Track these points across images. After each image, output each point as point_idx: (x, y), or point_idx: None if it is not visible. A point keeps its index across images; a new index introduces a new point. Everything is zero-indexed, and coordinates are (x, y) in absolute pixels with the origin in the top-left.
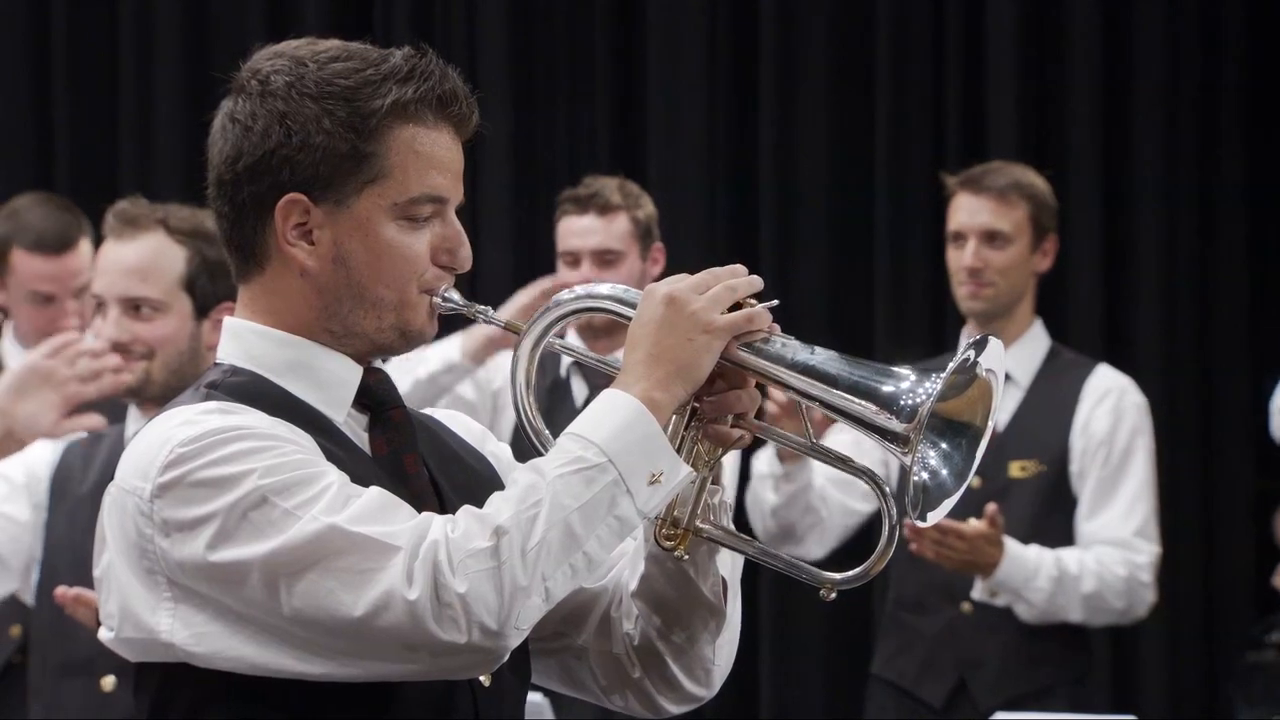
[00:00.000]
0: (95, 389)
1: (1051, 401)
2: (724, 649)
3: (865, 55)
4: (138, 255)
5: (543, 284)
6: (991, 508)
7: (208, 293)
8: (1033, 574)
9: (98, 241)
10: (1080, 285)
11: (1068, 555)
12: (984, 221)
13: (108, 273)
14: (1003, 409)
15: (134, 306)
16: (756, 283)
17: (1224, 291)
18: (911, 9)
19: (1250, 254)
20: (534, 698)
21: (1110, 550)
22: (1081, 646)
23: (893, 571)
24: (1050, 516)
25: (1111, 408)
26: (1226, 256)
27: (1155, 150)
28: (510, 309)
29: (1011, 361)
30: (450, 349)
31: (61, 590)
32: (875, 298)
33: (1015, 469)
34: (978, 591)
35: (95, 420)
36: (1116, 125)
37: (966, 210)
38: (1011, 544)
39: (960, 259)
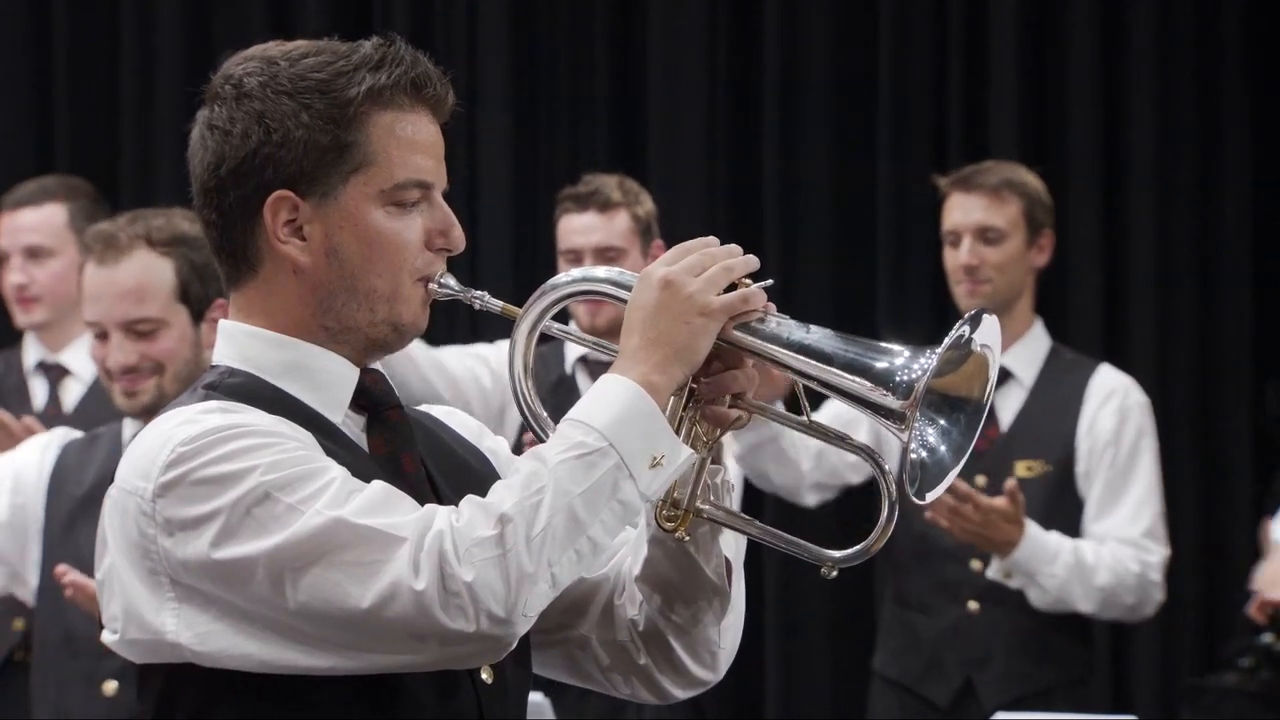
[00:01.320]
0: None
1: (1055, 402)
2: (729, 632)
3: (866, 54)
4: (128, 277)
5: None
6: (1011, 484)
7: (200, 297)
8: (1050, 559)
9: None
10: (1079, 284)
11: (1085, 546)
12: (978, 219)
13: (102, 299)
14: (1007, 409)
15: (135, 328)
16: (752, 262)
17: (1224, 291)
18: (913, 7)
19: (1251, 253)
20: (535, 697)
21: (1123, 547)
22: (1084, 646)
23: (896, 570)
24: (1056, 516)
25: (1117, 408)
26: (1227, 256)
27: (1155, 150)
28: None
29: (1014, 361)
30: None
31: (61, 569)
32: (877, 298)
33: (1021, 469)
34: (993, 571)
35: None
36: (1116, 125)
37: (960, 209)
38: (1033, 527)
39: (956, 258)
